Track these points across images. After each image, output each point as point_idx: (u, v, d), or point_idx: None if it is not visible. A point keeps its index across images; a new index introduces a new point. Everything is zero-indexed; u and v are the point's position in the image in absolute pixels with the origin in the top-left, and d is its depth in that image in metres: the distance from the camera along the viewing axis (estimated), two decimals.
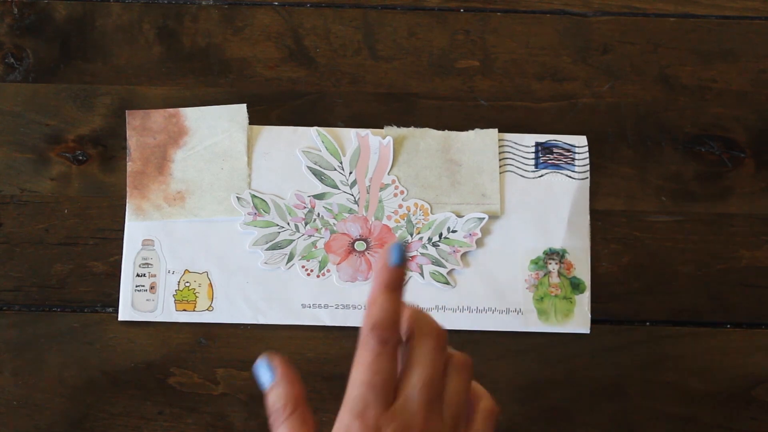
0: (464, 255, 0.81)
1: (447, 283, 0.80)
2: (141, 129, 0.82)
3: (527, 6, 0.87)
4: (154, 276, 0.80)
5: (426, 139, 0.83)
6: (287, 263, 0.80)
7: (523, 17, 0.86)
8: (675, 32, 0.86)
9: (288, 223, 0.81)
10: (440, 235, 0.81)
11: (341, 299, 0.80)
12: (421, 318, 0.61)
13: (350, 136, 0.83)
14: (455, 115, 0.84)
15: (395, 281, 0.60)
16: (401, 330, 0.61)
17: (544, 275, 0.81)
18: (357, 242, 0.81)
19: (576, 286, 0.81)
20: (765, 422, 0.80)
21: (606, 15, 0.86)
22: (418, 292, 0.80)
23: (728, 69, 0.86)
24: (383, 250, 0.60)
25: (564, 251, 0.81)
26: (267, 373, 0.62)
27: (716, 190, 0.83)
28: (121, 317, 0.79)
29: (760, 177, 0.84)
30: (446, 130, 0.83)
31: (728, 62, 0.86)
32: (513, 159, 0.83)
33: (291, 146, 0.82)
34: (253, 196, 0.81)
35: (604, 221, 0.82)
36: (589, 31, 0.86)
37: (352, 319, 0.79)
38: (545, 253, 0.81)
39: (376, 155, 0.82)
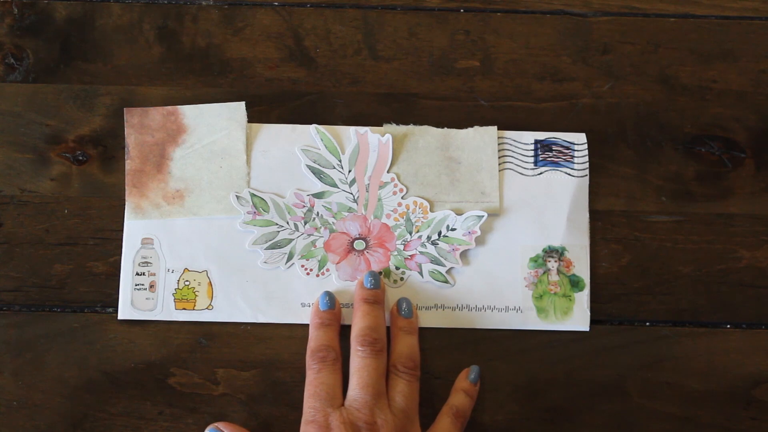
0: (463, 253, 0.81)
1: (446, 281, 0.80)
2: (139, 127, 0.82)
3: (527, 6, 0.87)
4: (154, 275, 0.80)
5: (425, 136, 0.83)
6: (287, 262, 0.80)
7: (523, 17, 0.86)
8: (675, 32, 0.86)
9: (287, 222, 0.81)
10: (439, 233, 0.81)
11: (340, 298, 0.80)
12: (355, 333, 0.76)
13: (349, 133, 0.83)
14: (455, 115, 0.84)
15: (325, 321, 0.77)
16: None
17: (544, 273, 0.81)
18: (356, 241, 0.81)
19: (575, 283, 0.81)
20: (765, 422, 0.79)
21: (606, 15, 0.86)
22: (417, 291, 0.80)
23: (728, 69, 0.86)
24: (315, 300, 0.79)
25: (563, 249, 0.81)
26: None
27: (716, 190, 0.83)
28: (120, 316, 0.79)
29: (760, 177, 0.84)
30: (445, 128, 0.83)
31: (728, 62, 0.86)
32: (512, 156, 0.83)
33: (290, 144, 0.82)
34: (253, 195, 0.81)
35: (604, 221, 0.82)
36: (589, 31, 0.86)
37: (351, 318, 0.79)
38: (544, 250, 0.81)
39: (375, 153, 0.82)
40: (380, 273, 0.80)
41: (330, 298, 0.78)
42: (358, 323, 0.77)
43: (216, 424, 0.76)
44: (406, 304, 0.79)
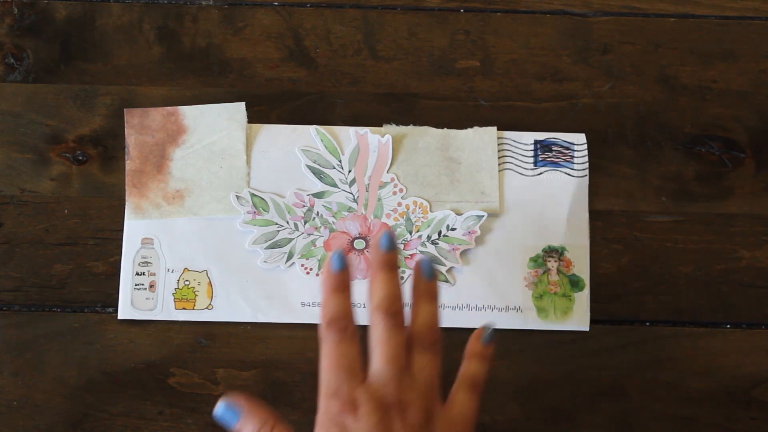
0: (463, 253, 0.81)
1: (446, 281, 0.80)
2: (139, 127, 0.82)
3: (527, 6, 0.87)
4: (154, 275, 0.80)
5: (425, 137, 0.83)
6: (287, 262, 0.80)
7: (523, 17, 0.86)
8: (675, 32, 0.86)
9: (287, 222, 0.81)
10: (439, 233, 0.81)
11: None
12: (375, 303, 0.69)
13: (349, 134, 0.83)
14: (455, 115, 0.84)
15: (340, 284, 0.69)
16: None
17: (544, 273, 0.81)
18: (356, 240, 0.81)
19: (575, 283, 0.81)
20: (765, 422, 0.79)
21: (606, 15, 0.86)
22: None
23: (728, 69, 0.86)
24: (327, 258, 0.71)
25: (563, 249, 0.81)
26: (230, 411, 0.68)
27: (716, 190, 0.83)
28: (120, 316, 0.80)
29: (760, 177, 0.84)
30: (445, 129, 0.83)
31: (728, 62, 0.86)
32: (512, 157, 0.83)
33: (290, 145, 0.82)
34: (253, 195, 0.81)
35: (604, 221, 0.82)
36: (589, 31, 0.86)
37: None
38: (544, 250, 0.81)
39: (375, 153, 0.82)
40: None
41: (341, 256, 0.70)
42: (378, 292, 0.70)
43: (229, 395, 0.70)
44: (427, 264, 0.72)
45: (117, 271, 0.81)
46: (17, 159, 0.83)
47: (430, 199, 0.81)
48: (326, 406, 0.66)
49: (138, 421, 0.79)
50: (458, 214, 0.81)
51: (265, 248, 0.80)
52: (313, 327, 0.79)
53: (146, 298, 0.80)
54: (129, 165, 0.82)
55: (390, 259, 0.70)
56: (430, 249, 0.80)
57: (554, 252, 0.81)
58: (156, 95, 0.84)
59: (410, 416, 0.65)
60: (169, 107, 0.83)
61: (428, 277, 0.71)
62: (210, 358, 0.80)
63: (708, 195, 0.83)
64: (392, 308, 0.68)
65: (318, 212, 0.81)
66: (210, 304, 0.80)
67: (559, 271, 0.81)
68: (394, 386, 0.66)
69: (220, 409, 0.68)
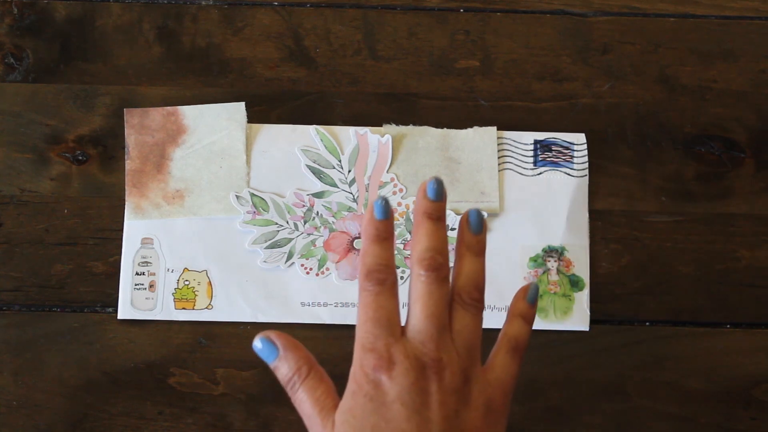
0: None
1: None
2: (139, 127, 0.82)
3: (527, 6, 0.87)
4: (154, 274, 0.80)
5: (425, 137, 0.83)
6: (286, 262, 0.80)
7: (523, 17, 0.86)
8: (675, 32, 0.86)
9: (287, 222, 0.81)
10: None
11: (340, 297, 0.80)
12: (417, 255, 0.64)
13: (349, 134, 0.83)
14: (455, 115, 0.84)
15: (382, 233, 0.64)
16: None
17: (543, 273, 0.81)
18: (356, 240, 0.81)
19: (575, 283, 0.80)
20: (765, 422, 0.79)
21: (606, 15, 0.86)
22: None
23: (728, 69, 0.86)
24: (368, 206, 0.64)
25: (563, 249, 0.81)
26: (269, 348, 0.65)
27: (716, 190, 0.83)
28: (120, 315, 0.79)
29: (760, 177, 0.84)
30: (445, 129, 0.83)
31: (728, 62, 0.86)
32: (512, 157, 0.83)
33: (290, 145, 0.82)
34: (252, 195, 0.81)
35: (604, 221, 0.82)
36: (589, 31, 0.86)
37: (351, 317, 0.79)
38: (544, 250, 0.81)
39: (375, 153, 0.82)
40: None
41: (386, 204, 0.65)
42: (421, 242, 0.65)
43: (267, 332, 0.67)
44: (476, 216, 0.67)
45: (117, 271, 0.81)
46: (17, 159, 0.83)
47: None
48: (361, 360, 0.63)
49: (138, 421, 0.79)
50: (458, 214, 0.81)
51: (265, 248, 0.80)
52: (313, 327, 0.80)
53: (146, 298, 0.80)
54: (129, 165, 0.82)
55: (437, 208, 0.66)
56: None
57: (554, 252, 0.81)
58: (156, 95, 0.84)
59: (447, 378, 0.62)
60: (168, 107, 0.83)
61: (476, 231, 0.67)
62: (210, 358, 0.80)
63: (708, 195, 0.83)
64: (435, 262, 0.64)
65: (318, 212, 0.81)
66: (210, 304, 0.80)
67: (558, 271, 0.81)
68: (433, 345, 0.63)
69: (259, 342, 0.66)
